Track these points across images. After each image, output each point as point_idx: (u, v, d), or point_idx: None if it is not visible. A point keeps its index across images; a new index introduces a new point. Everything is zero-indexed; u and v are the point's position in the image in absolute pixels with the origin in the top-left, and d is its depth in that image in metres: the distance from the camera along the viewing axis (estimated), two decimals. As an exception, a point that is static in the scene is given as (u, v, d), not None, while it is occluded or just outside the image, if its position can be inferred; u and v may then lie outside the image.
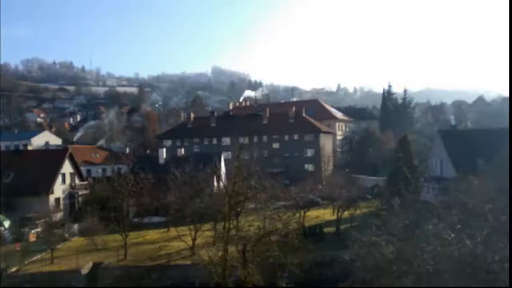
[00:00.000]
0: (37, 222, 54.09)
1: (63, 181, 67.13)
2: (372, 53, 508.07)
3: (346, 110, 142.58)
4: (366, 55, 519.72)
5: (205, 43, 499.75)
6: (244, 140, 76.02)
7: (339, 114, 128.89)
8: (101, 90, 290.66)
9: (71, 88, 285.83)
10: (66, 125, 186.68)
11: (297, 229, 33.66)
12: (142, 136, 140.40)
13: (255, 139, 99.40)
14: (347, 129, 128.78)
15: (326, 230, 52.83)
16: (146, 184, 52.60)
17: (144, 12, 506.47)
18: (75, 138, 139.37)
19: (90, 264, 44.51)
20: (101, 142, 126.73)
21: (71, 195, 67.69)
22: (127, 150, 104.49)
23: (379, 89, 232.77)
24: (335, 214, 57.31)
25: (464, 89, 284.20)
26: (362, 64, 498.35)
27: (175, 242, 49.90)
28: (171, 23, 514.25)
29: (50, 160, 67.64)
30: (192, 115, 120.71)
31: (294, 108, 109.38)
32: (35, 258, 45.68)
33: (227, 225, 31.01)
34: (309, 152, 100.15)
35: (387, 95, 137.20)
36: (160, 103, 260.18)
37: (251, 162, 36.67)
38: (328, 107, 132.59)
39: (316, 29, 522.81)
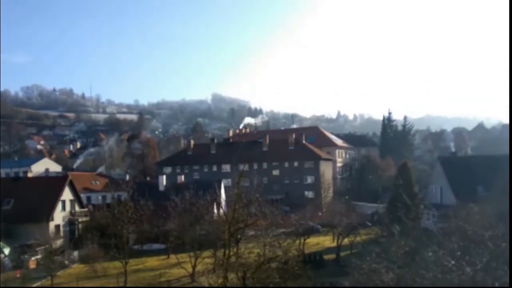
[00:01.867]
0: (37, 249, 53.78)
1: (63, 208, 66.91)
2: (372, 80, 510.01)
3: (346, 137, 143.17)
4: (366, 82, 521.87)
5: (205, 70, 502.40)
6: (244, 167, 76.14)
7: (339, 141, 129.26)
8: (101, 117, 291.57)
9: (71, 115, 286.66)
10: (66, 152, 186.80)
11: (297, 256, 33.57)
12: (142, 163, 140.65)
13: (255, 166, 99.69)
14: (347, 156, 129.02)
15: (326, 257, 52.62)
16: (146, 211, 52.58)
17: (144, 39, 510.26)
18: (75, 165, 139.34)
19: (90, 291, 44.32)
20: (101, 169, 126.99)
21: (71, 222, 67.47)
22: (127, 177, 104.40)
23: (379, 116, 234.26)
24: (335, 241, 57.23)
25: (464, 116, 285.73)
26: (362, 91, 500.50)
27: (175, 269, 49.66)
28: (170, 50, 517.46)
29: (50, 187, 67.53)
30: (192, 142, 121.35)
31: (294, 135, 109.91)
32: (35, 285, 45.35)
33: (227, 252, 31.03)
34: (309, 179, 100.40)
35: (387, 122, 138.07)
36: (160, 130, 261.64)
37: (251, 189, 36.82)
38: (328, 134, 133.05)
39: (316, 56, 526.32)
